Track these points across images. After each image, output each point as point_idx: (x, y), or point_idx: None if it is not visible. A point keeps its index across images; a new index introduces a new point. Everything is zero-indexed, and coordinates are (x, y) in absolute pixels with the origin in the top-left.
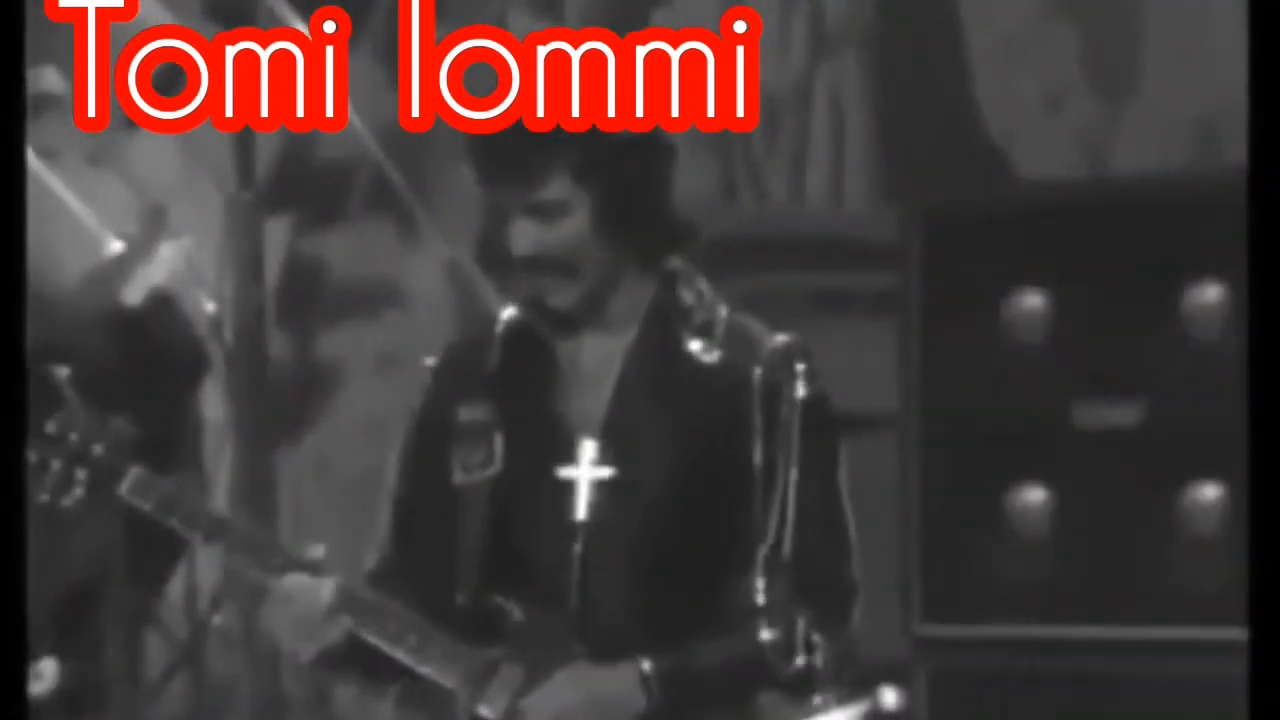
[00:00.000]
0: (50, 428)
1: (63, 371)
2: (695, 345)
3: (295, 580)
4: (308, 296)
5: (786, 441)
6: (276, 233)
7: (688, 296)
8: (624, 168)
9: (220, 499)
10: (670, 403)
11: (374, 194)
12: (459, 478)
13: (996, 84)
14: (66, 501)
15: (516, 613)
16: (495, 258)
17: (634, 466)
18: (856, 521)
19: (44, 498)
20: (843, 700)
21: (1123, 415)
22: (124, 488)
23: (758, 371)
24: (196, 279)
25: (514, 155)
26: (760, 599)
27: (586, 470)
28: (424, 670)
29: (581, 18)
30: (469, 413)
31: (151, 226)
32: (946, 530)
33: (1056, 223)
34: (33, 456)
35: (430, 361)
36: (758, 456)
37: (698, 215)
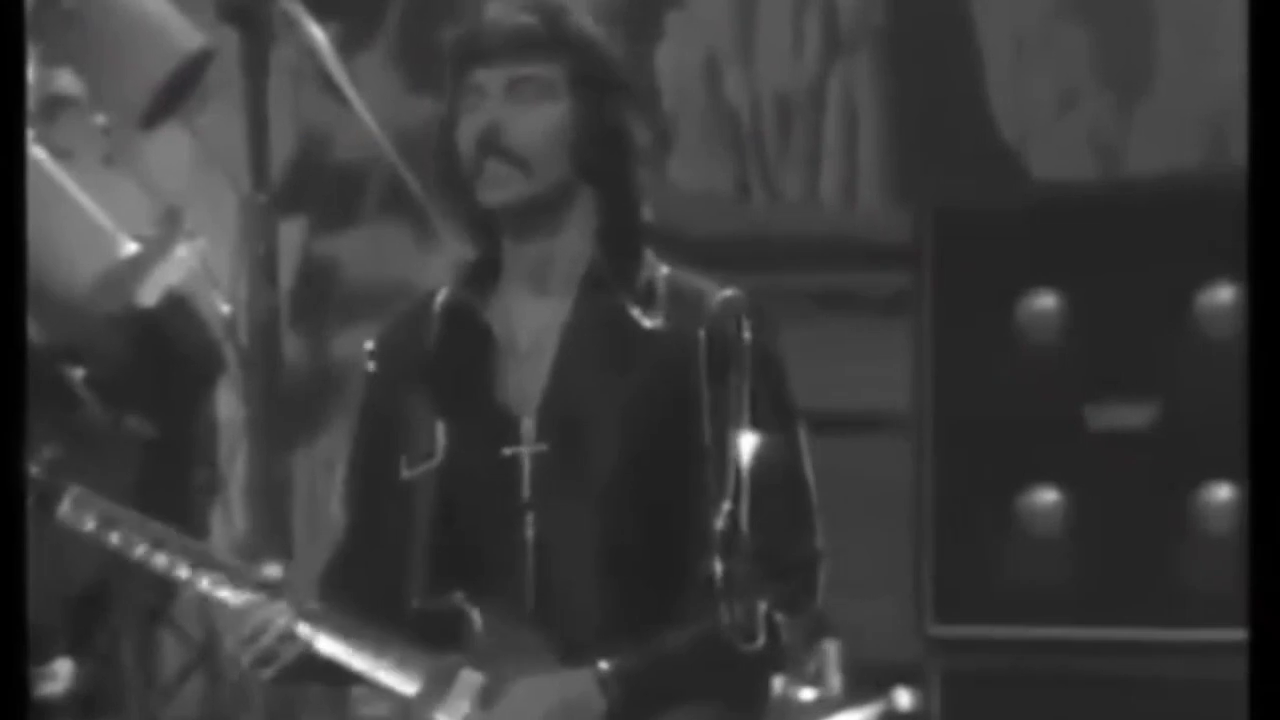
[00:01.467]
0: None
1: (78, 372)
2: (635, 311)
3: (249, 602)
4: (322, 298)
5: (737, 405)
6: (291, 235)
7: (625, 259)
8: (608, 92)
9: (235, 499)
10: (614, 373)
11: (388, 196)
12: (405, 472)
13: (1009, 84)
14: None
15: (473, 613)
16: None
17: (579, 443)
18: (867, 522)
19: None
20: (857, 701)
21: (1135, 416)
22: (63, 509)
23: (702, 333)
24: (211, 280)
25: (515, 28)
26: (718, 578)
27: (529, 449)
28: (381, 679)
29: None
30: (411, 402)
31: (167, 228)
32: (959, 531)
33: (1069, 223)
34: None
35: (369, 346)
36: (707, 424)
37: (711, 214)
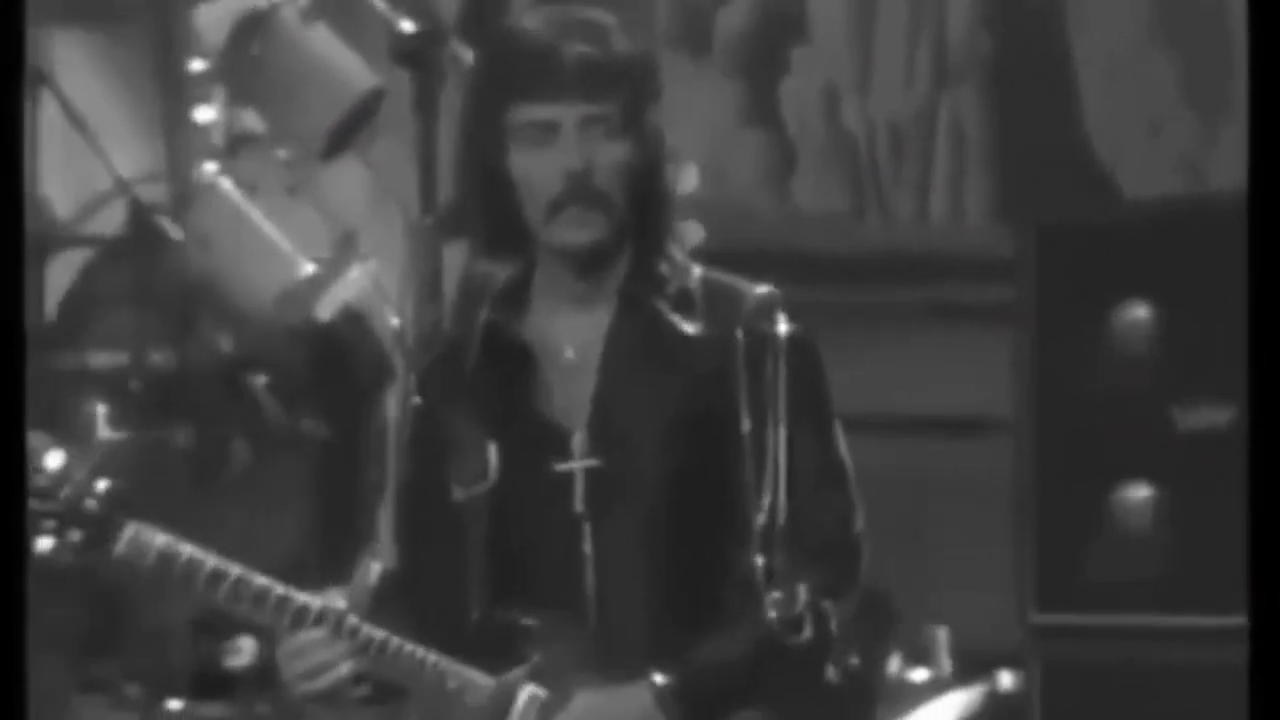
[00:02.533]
0: (40, 481)
1: (260, 380)
2: (675, 317)
3: (309, 638)
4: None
5: (774, 399)
6: (454, 256)
7: (662, 267)
8: (653, 117)
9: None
10: (658, 381)
11: None
12: (458, 494)
13: (1102, 109)
14: (63, 561)
15: (533, 628)
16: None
17: (629, 453)
18: (973, 518)
19: (42, 551)
20: (964, 682)
21: (1220, 416)
22: (120, 545)
23: (740, 333)
24: (382, 297)
25: (584, 62)
26: (761, 574)
27: (581, 463)
28: (445, 701)
29: (727, 58)
30: (459, 427)
31: (342, 251)
32: (1057, 526)
33: (1159, 237)
34: (37, 505)
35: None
36: (745, 418)
37: (830, 233)
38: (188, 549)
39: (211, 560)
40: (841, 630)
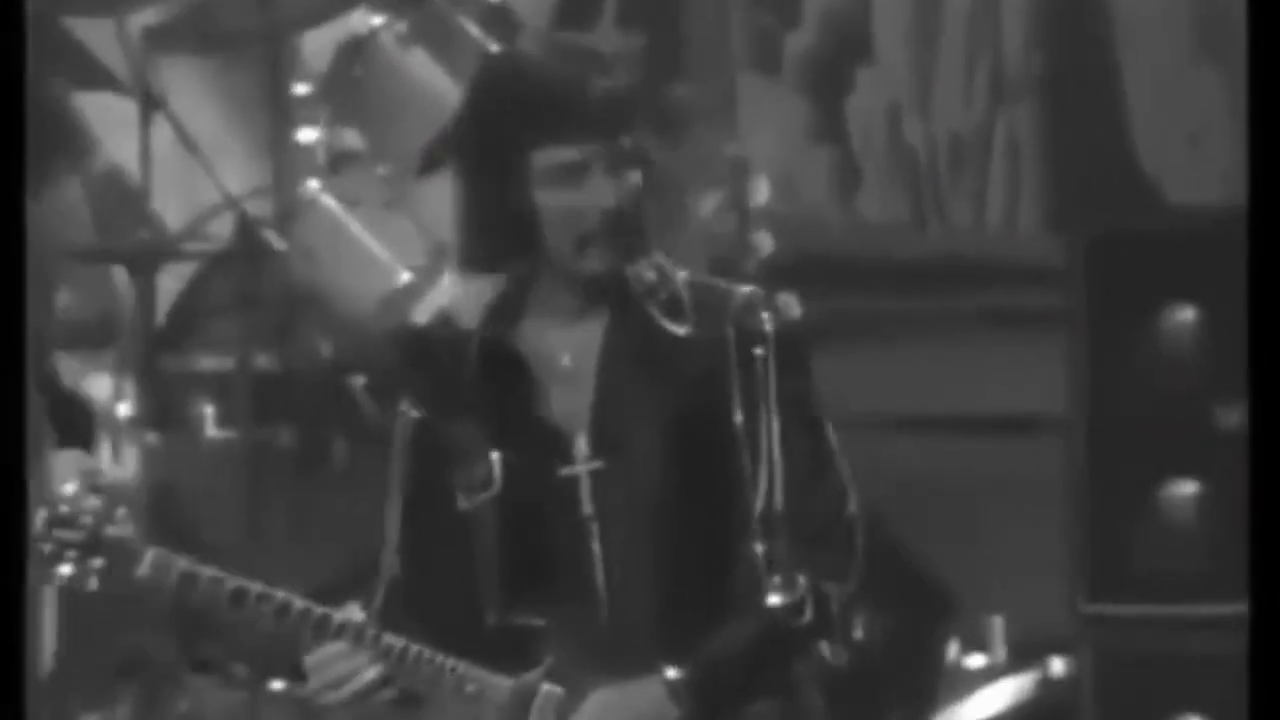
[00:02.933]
0: (63, 509)
1: (359, 381)
2: (665, 321)
3: (332, 650)
4: None
5: (764, 393)
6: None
7: (649, 273)
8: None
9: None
10: (654, 383)
11: None
12: (463, 503)
13: (1148, 123)
14: (86, 587)
15: (548, 628)
16: (724, 268)
17: (630, 454)
18: (1027, 514)
19: (61, 582)
20: (1018, 668)
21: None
22: (142, 569)
23: (730, 331)
24: (472, 302)
25: (608, 99)
26: (762, 561)
27: (584, 466)
28: (464, 705)
29: (796, 78)
30: (460, 438)
31: (436, 260)
32: (1107, 519)
33: (1202, 243)
34: (46, 547)
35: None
36: (738, 415)
37: (893, 241)
38: (208, 570)
39: (232, 581)
40: (843, 611)
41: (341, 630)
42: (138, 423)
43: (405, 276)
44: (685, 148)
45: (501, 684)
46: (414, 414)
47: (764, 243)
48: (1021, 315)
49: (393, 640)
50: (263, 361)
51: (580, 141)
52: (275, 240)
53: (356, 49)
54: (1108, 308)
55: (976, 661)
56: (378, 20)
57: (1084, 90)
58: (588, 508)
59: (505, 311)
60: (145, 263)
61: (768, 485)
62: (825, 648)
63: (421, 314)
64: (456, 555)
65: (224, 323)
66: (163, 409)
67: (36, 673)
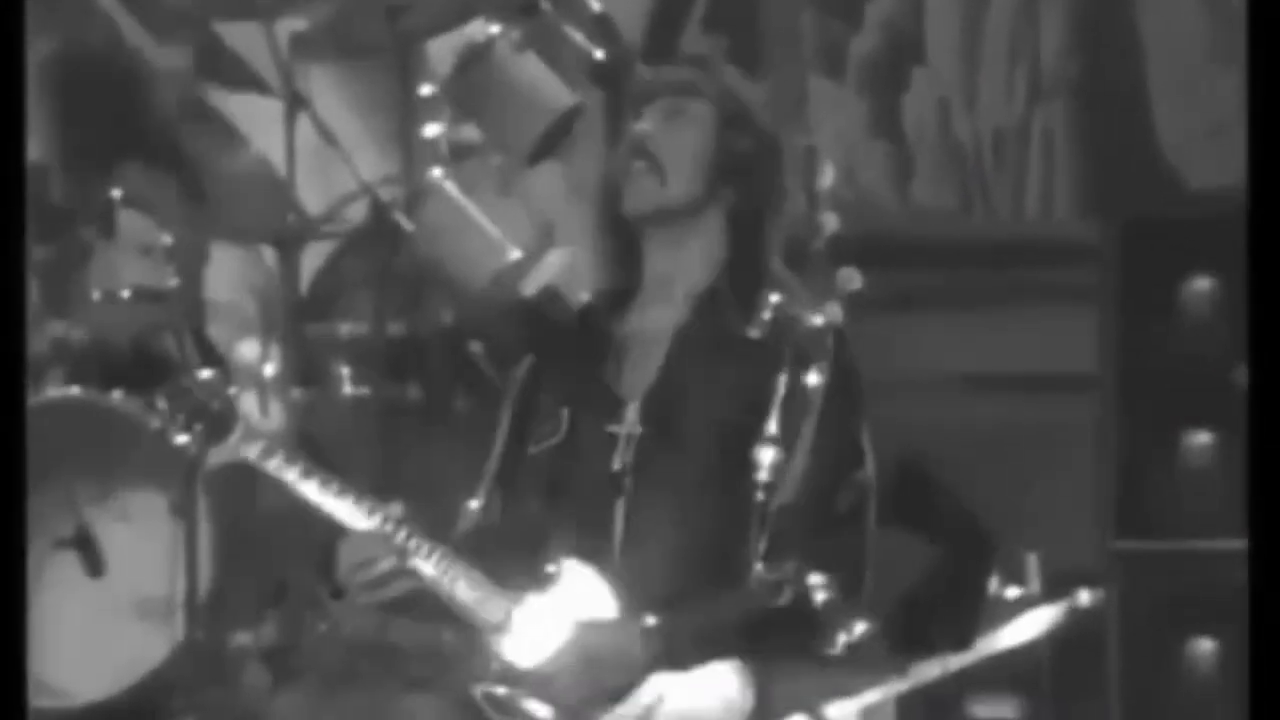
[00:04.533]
0: (186, 381)
1: (477, 345)
2: (742, 327)
3: (367, 532)
4: None
5: (806, 405)
6: None
7: (752, 287)
8: (751, 132)
9: None
10: (712, 374)
11: None
12: (532, 448)
13: (1171, 117)
14: (176, 438)
15: (562, 564)
16: (795, 245)
17: (669, 427)
18: (1061, 460)
19: (157, 426)
20: (1052, 599)
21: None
22: (233, 439)
23: (788, 351)
24: (576, 277)
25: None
26: (761, 547)
27: (629, 428)
28: (470, 614)
29: (858, 78)
30: (546, 392)
31: (543, 239)
32: (1134, 464)
33: (1220, 222)
34: (161, 403)
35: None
36: (776, 418)
37: (942, 224)
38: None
39: (302, 463)
40: (830, 605)
41: (384, 521)
42: (282, 381)
43: (515, 254)
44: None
45: (501, 599)
46: (520, 374)
47: (830, 222)
48: (1058, 289)
49: (418, 538)
50: (393, 328)
51: None
52: (404, 222)
53: (476, 53)
54: (1135, 281)
55: (1014, 593)
56: (494, 29)
57: (1113, 89)
58: (617, 464)
59: (613, 296)
60: (290, 243)
61: (789, 479)
62: (834, 640)
63: (529, 287)
64: (522, 497)
65: (359, 294)
66: (305, 369)
67: (195, 598)
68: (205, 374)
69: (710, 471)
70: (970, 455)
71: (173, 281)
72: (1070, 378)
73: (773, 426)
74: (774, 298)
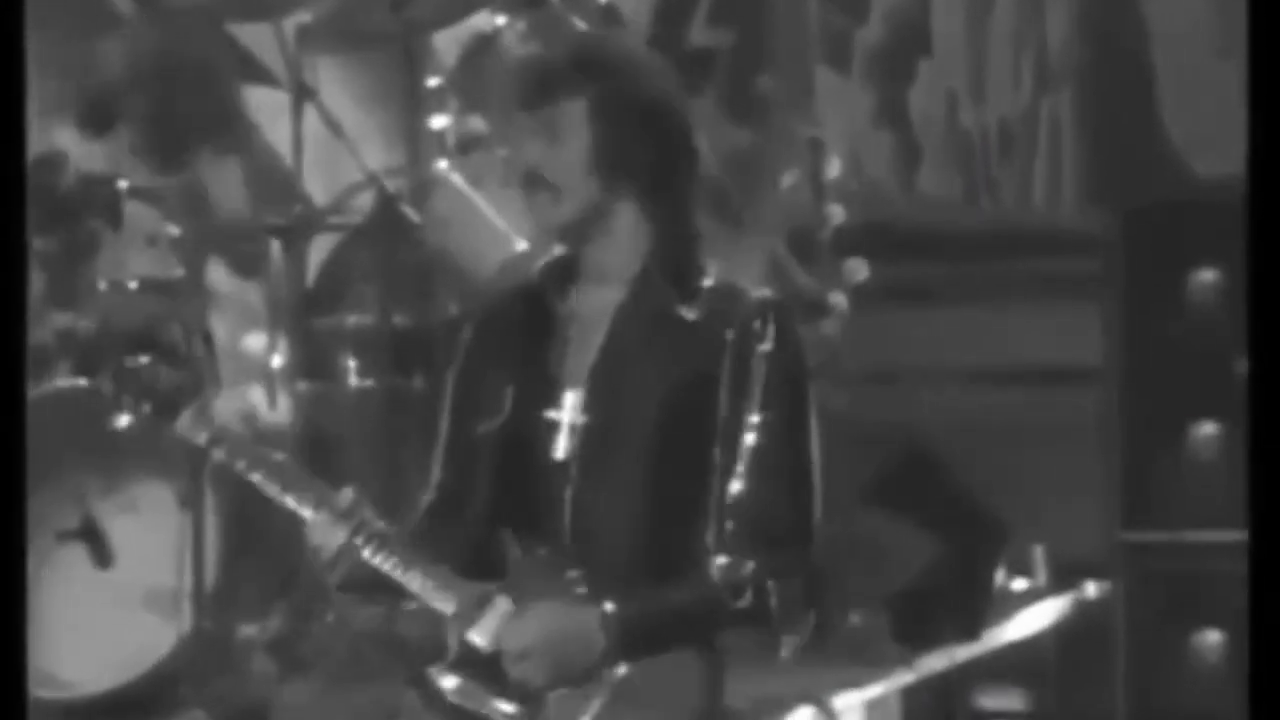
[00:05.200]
0: (130, 363)
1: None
2: (680, 307)
3: (316, 519)
4: None
5: (750, 391)
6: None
7: (679, 268)
8: (635, 113)
9: None
10: (653, 357)
11: (707, 201)
12: (480, 428)
13: (1178, 107)
14: (120, 419)
15: (514, 549)
16: (802, 235)
17: (612, 414)
18: (1068, 452)
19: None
20: (1059, 590)
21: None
22: (185, 420)
23: (731, 330)
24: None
25: (545, 71)
26: (713, 541)
27: (569, 416)
28: (425, 598)
29: (864, 69)
30: (492, 368)
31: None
32: (1140, 456)
33: (1226, 212)
34: (108, 385)
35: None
36: (723, 406)
37: (949, 213)
38: (243, 438)
39: (260, 449)
40: (784, 609)
41: (331, 509)
42: (289, 372)
43: (522, 245)
44: (769, 131)
45: (461, 589)
46: (467, 335)
47: (836, 213)
48: (1064, 279)
49: (375, 523)
50: (399, 320)
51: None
52: (410, 213)
53: (482, 45)
54: (1141, 271)
55: (1021, 585)
56: (500, 20)
57: (1119, 78)
58: (560, 454)
59: (556, 271)
60: (297, 233)
61: (740, 479)
62: (784, 643)
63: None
64: (472, 479)
65: (365, 285)
66: (312, 361)
67: (202, 589)
68: (144, 359)
69: (658, 457)
70: (976, 448)
71: (179, 272)
72: (1077, 369)
73: (721, 409)
74: (710, 275)
